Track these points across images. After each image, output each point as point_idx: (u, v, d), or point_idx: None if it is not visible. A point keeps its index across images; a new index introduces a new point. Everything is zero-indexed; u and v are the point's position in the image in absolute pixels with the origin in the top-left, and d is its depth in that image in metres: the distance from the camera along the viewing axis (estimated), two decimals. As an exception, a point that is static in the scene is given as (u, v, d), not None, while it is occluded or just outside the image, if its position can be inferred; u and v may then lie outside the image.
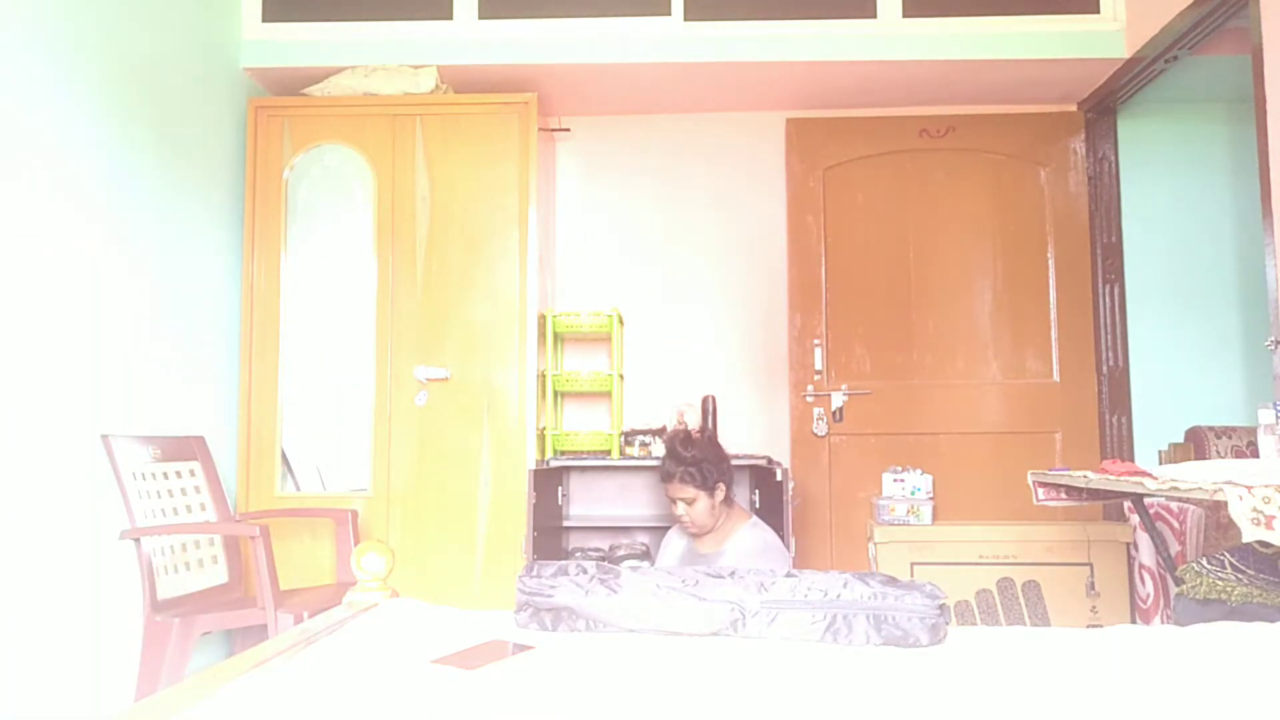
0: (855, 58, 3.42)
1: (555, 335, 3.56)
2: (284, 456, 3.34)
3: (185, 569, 2.69)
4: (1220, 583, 2.23)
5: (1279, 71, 2.62)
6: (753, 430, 3.79)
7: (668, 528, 3.29)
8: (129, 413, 2.71)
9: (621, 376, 3.63)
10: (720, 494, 2.86)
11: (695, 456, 2.83)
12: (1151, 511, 3.01)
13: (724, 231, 3.93)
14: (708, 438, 2.96)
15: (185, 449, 2.86)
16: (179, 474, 2.77)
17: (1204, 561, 2.32)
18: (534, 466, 3.23)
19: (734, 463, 3.01)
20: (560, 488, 3.65)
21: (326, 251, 3.48)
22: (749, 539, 2.84)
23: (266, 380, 3.31)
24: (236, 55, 3.41)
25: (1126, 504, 3.14)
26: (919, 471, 3.40)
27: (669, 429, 3.54)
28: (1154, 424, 3.68)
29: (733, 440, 3.65)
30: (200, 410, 3.11)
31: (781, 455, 3.68)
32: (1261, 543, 2.16)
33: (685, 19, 3.42)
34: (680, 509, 2.86)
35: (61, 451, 2.43)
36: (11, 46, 2.30)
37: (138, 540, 2.49)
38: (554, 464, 3.41)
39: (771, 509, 3.18)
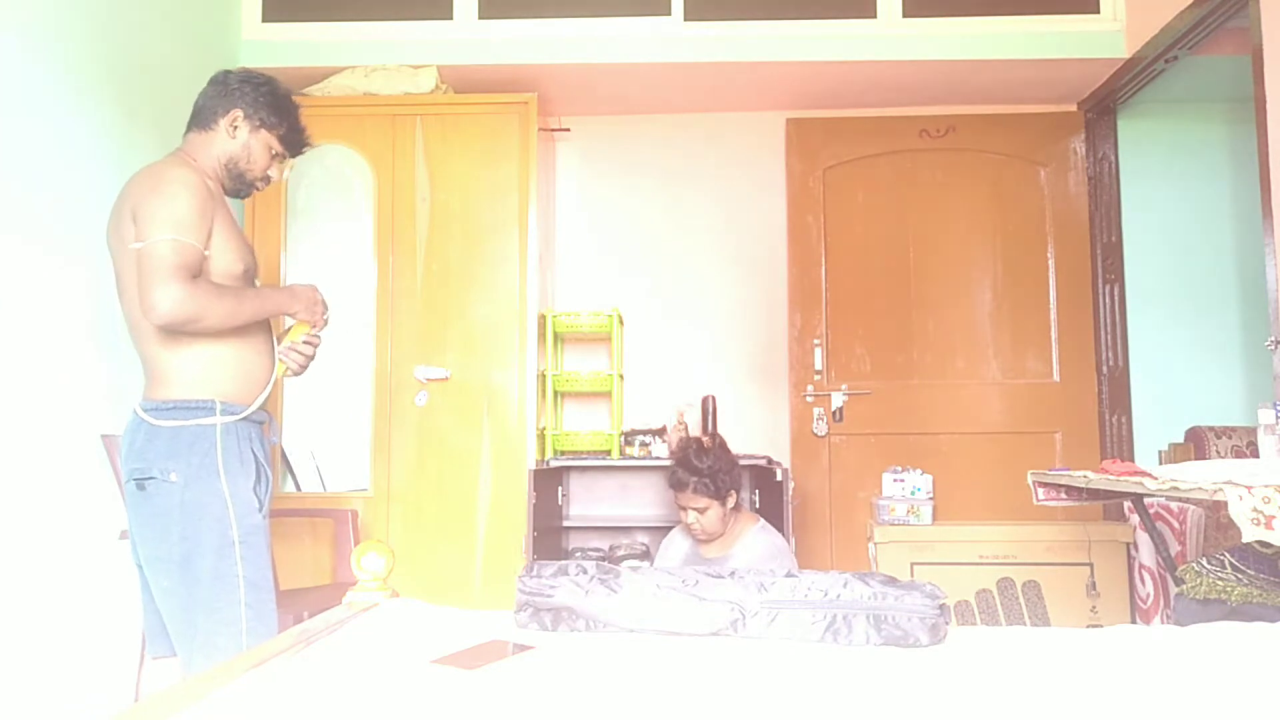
0: (855, 58, 3.42)
1: (555, 335, 3.56)
2: (284, 456, 3.34)
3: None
4: (1220, 583, 2.23)
5: (1279, 71, 2.62)
6: (753, 430, 3.79)
7: (667, 528, 3.28)
8: (129, 413, 2.70)
9: (621, 376, 3.63)
10: (732, 501, 2.85)
11: (710, 467, 2.80)
12: (1151, 511, 3.01)
13: (724, 231, 3.93)
14: (719, 445, 2.94)
15: (185, 449, 2.85)
16: (179, 474, 2.77)
17: (1204, 561, 2.33)
18: (534, 466, 3.23)
19: (734, 463, 3.01)
20: (560, 488, 3.64)
21: (326, 251, 3.48)
22: (758, 544, 2.83)
23: (266, 380, 3.30)
24: (236, 55, 3.41)
25: (1126, 504, 3.14)
26: (919, 471, 3.40)
27: (669, 429, 3.54)
28: (1154, 424, 3.68)
29: (733, 440, 3.64)
30: (200, 410, 3.10)
31: (781, 455, 3.68)
32: (1261, 543, 2.16)
33: (685, 19, 3.42)
34: (691, 517, 2.85)
35: (61, 451, 2.42)
36: (10, 46, 2.30)
37: (138, 540, 2.49)
38: (554, 464, 3.41)
39: (771, 509, 3.18)
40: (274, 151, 2.07)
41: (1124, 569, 3.24)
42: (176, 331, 1.84)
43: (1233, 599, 2.20)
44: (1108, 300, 3.74)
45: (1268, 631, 1.33)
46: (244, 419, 1.92)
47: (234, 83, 2.02)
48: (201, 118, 2.02)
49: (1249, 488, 1.76)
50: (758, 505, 3.41)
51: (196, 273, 1.84)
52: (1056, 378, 3.73)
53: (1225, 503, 1.77)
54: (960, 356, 3.76)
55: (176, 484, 1.83)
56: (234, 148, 2.01)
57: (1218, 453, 3.28)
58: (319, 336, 2.08)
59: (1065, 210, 3.77)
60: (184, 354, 1.88)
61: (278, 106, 2.05)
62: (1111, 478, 2.23)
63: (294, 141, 2.11)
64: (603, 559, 3.36)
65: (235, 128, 2.00)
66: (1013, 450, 3.65)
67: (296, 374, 2.07)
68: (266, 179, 2.09)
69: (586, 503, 3.74)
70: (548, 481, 3.39)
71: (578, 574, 1.42)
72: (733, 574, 1.41)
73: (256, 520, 1.90)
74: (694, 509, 2.83)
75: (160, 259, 1.78)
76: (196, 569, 1.82)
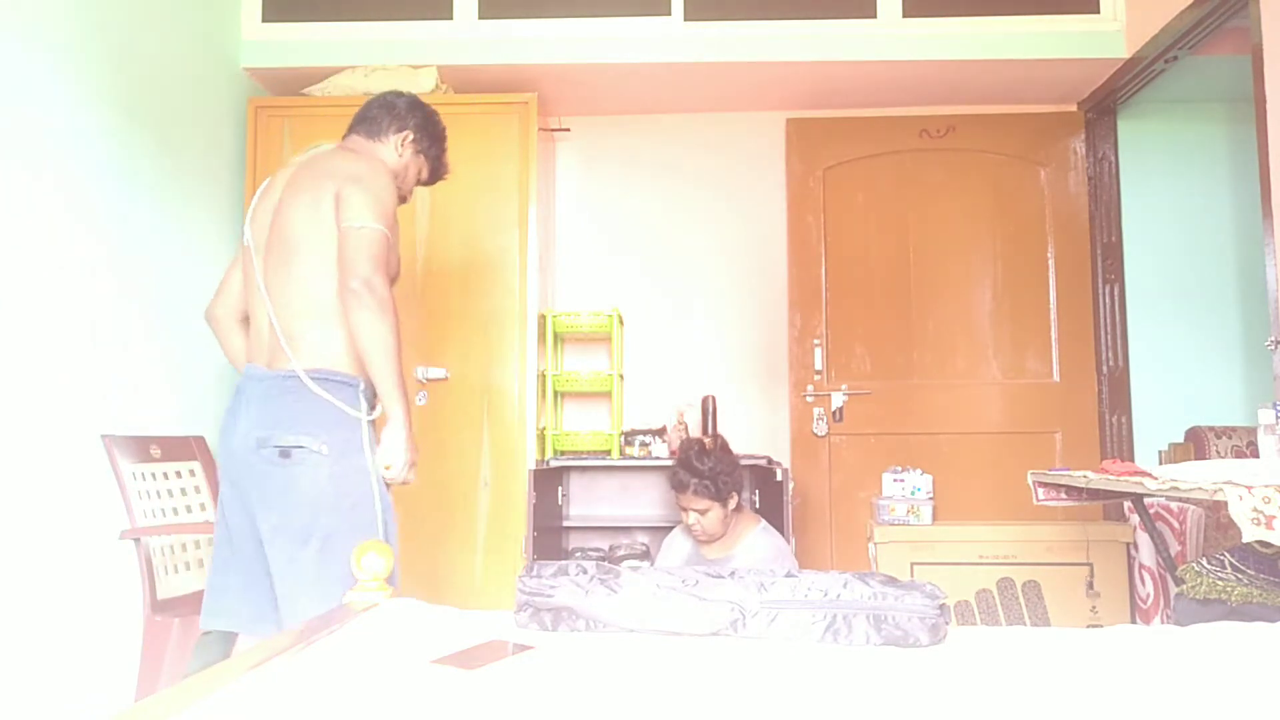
0: (855, 58, 3.42)
1: (555, 335, 3.56)
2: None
3: (185, 569, 2.69)
4: (1220, 583, 2.23)
5: (1279, 71, 2.62)
6: (753, 430, 3.79)
7: (667, 528, 3.28)
8: (129, 413, 2.71)
9: (621, 376, 3.63)
10: (733, 503, 2.85)
11: (711, 469, 2.80)
12: (1151, 511, 3.01)
13: (724, 231, 3.93)
14: (721, 446, 2.94)
15: (185, 449, 2.86)
16: (179, 474, 2.77)
17: (1204, 561, 2.33)
18: (534, 466, 3.23)
19: (734, 463, 3.00)
20: (560, 488, 3.64)
21: (326, 251, 3.47)
22: (759, 545, 2.83)
23: (266, 380, 3.30)
24: (236, 55, 3.41)
25: (1126, 504, 3.14)
26: (919, 471, 3.40)
27: (669, 429, 3.54)
28: (1154, 424, 3.68)
29: (733, 440, 3.64)
30: (200, 410, 3.10)
31: (781, 455, 3.67)
32: (1261, 543, 2.16)
33: (685, 19, 3.42)
34: (692, 518, 2.85)
35: (61, 451, 2.43)
36: (12, 47, 2.30)
37: (138, 540, 2.49)
38: (554, 464, 3.41)
39: (771, 509, 3.18)
40: (421, 177, 2.22)
41: (1124, 569, 3.23)
42: (350, 307, 1.84)
43: (1233, 599, 2.20)
44: (1108, 300, 3.74)
45: (1268, 631, 1.33)
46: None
47: (403, 107, 2.15)
48: (370, 127, 2.13)
49: (1249, 488, 1.76)
50: (758, 505, 3.41)
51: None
52: (1056, 378, 3.72)
53: (1225, 503, 1.77)
54: (960, 356, 3.76)
55: (327, 457, 1.83)
56: (398, 164, 2.13)
57: (1218, 453, 3.28)
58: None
59: (1065, 210, 3.77)
60: (338, 333, 1.89)
61: (438, 137, 2.20)
62: (1111, 478, 2.23)
63: (437, 171, 2.25)
64: (603, 559, 3.36)
65: (403, 146, 2.13)
66: (1013, 450, 3.65)
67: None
68: (404, 199, 2.18)
69: (586, 503, 3.74)
70: (548, 481, 3.39)
71: (578, 574, 1.42)
72: (733, 574, 1.41)
73: (391, 501, 1.93)
74: (695, 510, 2.83)
75: (375, 245, 1.87)
76: (337, 547, 1.79)
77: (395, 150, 2.13)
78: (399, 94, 2.20)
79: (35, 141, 2.37)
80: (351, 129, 2.16)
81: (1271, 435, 2.15)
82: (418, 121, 2.15)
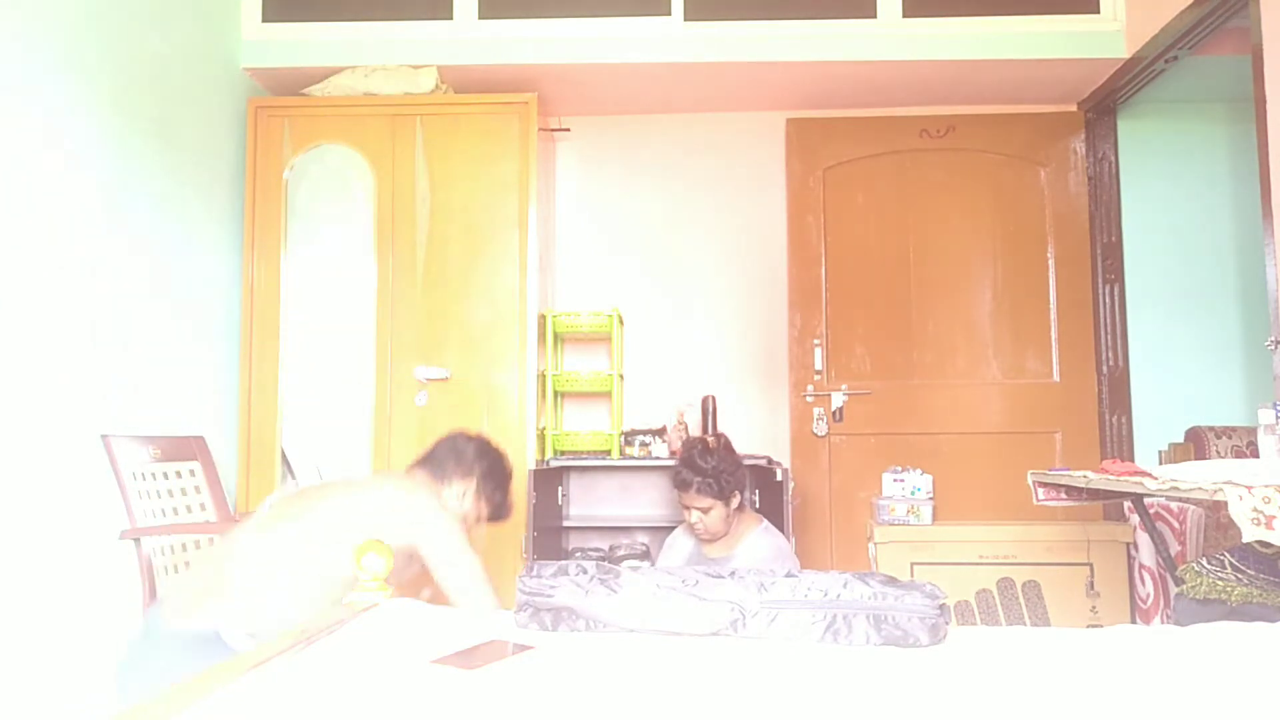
0: (855, 58, 3.42)
1: (555, 335, 3.56)
2: (284, 456, 3.34)
3: (185, 569, 2.69)
4: (1220, 583, 2.23)
5: (1279, 71, 2.62)
6: (753, 430, 3.79)
7: (668, 528, 3.28)
8: (129, 413, 2.71)
9: (621, 376, 3.63)
10: (735, 502, 2.85)
11: (715, 467, 2.80)
12: (1151, 511, 3.01)
13: (724, 231, 3.92)
14: (724, 444, 2.94)
15: (185, 449, 2.86)
16: (179, 474, 2.77)
17: (1204, 561, 2.32)
18: (534, 466, 3.23)
19: (734, 463, 3.00)
20: (560, 488, 3.64)
21: (326, 251, 3.48)
22: (761, 545, 2.83)
23: (266, 380, 3.31)
24: (236, 55, 3.41)
25: (1126, 504, 3.14)
26: (919, 471, 3.40)
27: (669, 429, 3.54)
28: (1154, 424, 3.68)
29: (733, 440, 3.64)
30: (200, 410, 3.11)
31: (781, 455, 3.67)
32: (1261, 543, 2.16)
33: (685, 19, 3.42)
34: (694, 517, 2.85)
35: (61, 451, 2.42)
36: (12, 47, 2.30)
37: (138, 540, 2.49)
38: (554, 464, 3.41)
39: (772, 509, 3.18)
40: (481, 516, 2.25)
41: (1124, 569, 3.23)
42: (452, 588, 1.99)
43: (1233, 599, 2.20)
44: (1108, 300, 3.73)
45: (1268, 631, 1.33)
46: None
47: (471, 454, 2.21)
48: (437, 468, 2.19)
49: (1249, 488, 1.76)
50: (758, 505, 3.41)
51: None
52: (1056, 378, 3.72)
53: (1225, 503, 1.77)
54: (960, 356, 3.76)
55: None
56: (462, 510, 2.19)
57: (1218, 453, 3.28)
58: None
59: (1065, 210, 3.77)
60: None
61: (503, 481, 2.25)
62: (1111, 478, 2.23)
63: (499, 513, 2.28)
64: (603, 559, 3.36)
65: (466, 493, 2.20)
66: (1013, 450, 3.64)
67: None
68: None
69: (586, 503, 3.74)
70: (548, 481, 3.39)
71: (578, 574, 1.42)
72: (733, 574, 1.41)
73: None
74: (697, 509, 2.83)
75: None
76: None
77: (458, 497, 2.19)
78: (468, 438, 2.24)
79: (34, 141, 2.37)
80: (417, 464, 2.21)
81: (1271, 435, 2.14)
82: (484, 469, 2.21)
